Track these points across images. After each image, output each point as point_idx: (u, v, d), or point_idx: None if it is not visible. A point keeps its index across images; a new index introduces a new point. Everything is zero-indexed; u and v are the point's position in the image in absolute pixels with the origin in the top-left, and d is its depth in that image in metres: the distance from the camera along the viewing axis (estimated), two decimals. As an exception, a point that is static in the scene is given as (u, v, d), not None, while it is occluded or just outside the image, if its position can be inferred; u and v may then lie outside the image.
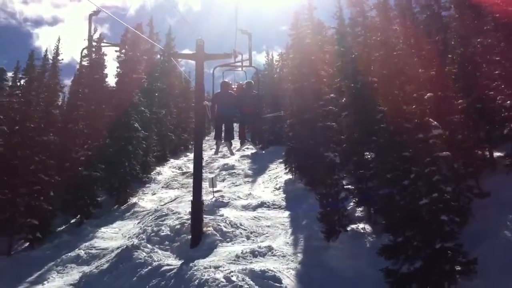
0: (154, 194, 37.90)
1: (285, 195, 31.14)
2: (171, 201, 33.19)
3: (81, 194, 32.31)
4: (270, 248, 20.96)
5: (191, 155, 53.86)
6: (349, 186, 22.55)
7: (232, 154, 17.86)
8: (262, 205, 28.75)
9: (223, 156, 50.99)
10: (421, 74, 18.96)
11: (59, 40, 35.85)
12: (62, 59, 36.01)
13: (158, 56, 53.62)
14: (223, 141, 14.83)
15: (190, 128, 59.57)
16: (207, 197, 30.49)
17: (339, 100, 31.02)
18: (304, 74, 32.10)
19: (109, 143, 35.80)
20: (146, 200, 35.76)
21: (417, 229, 16.68)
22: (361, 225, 22.08)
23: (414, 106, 17.88)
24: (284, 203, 29.07)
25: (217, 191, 32.86)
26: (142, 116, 39.59)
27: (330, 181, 21.68)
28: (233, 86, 16.16)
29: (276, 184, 34.94)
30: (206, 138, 70.46)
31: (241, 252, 20.62)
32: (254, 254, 20.46)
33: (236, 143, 16.27)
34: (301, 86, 32.19)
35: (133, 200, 35.56)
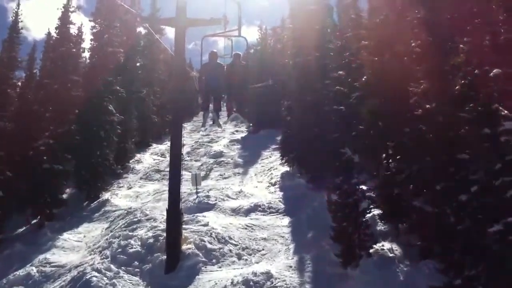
0: (130, 188, 32.20)
1: (282, 193, 25.54)
2: (147, 202, 27.50)
3: (41, 191, 26.62)
4: (269, 276, 15.50)
5: (176, 139, 48.22)
6: (371, 194, 16.88)
7: (219, 126, 16.52)
8: (256, 208, 23.15)
9: (211, 141, 45.48)
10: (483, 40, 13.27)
11: (18, 5, 29.74)
12: (22, 28, 29.84)
13: (141, 30, 46.94)
14: (210, 114, 14.11)
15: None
16: (190, 198, 24.95)
17: (349, 79, 25.44)
18: (306, 47, 26.46)
19: (77, 129, 29.84)
20: (120, 196, 30.13)
21: (485, 267, 11.37)
22: (386, 244, 16.44)
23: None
24: (282, 205, 23.51)
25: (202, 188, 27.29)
26: (117, 96, 33.50)
27: (347, 186, 16.14)
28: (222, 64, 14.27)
29: (271, 178, 29.25)
30: (194, 118, 64.71)
31: (231, 284, 15.20)
32: (249, 285, 15.04)
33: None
34: (303, 62, 26.56)
35: (106, 195, 29.93)
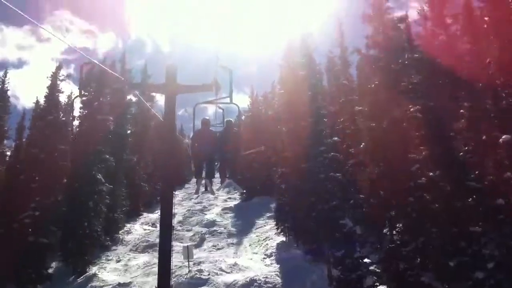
0: (119, 261, 30.51)
1: (279, 266, 24.15)
2: (136, 276, 25.95)
3: (24, 266, 25.08)
4: None
5: (168, 207, 46.75)
6: (375, 268, 15.69)
7: (212, 193, 14.89)
8: (251, 283, 21.60)
9: (203, 209, 44.14)
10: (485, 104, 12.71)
11: (6, 73, 29.48)
12: (9, 97, 29.55)
13: (132, 97, 46.35)
14: (203, 181, 13.05)
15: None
16: (182, 271, 23.52)
17: (344, 145, 24.91)
18: (299, 113, 25.90)
19: (65, 199, 28.66)
20: (109, 270, 28.50)
21: None
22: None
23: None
24: (279, 280, 22.02)
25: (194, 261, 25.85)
26: (106, 165, 32.52)
27: (350, 260, 15.02)
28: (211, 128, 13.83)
29: (267, 249, 27.87)
30: (186, 186, 63.58)
31: None
32: None
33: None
34: (297, 128, 25.89)
35: (93, 270, 28.30)
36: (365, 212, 17.79)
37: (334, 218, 16.54)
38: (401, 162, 15.95)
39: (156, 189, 48.81)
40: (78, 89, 34.17)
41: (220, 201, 47.86)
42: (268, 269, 23.91)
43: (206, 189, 13.98)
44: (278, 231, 29.39)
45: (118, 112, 40.11)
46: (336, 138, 24.17)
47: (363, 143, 18.52)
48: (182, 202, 51.81)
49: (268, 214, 37.18)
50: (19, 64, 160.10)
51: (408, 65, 17.75)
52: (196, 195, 40.69)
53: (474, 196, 12.50)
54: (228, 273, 23.42)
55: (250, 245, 29.89)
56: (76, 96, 32.82)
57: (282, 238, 28.56)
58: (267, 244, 28.88)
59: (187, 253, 23.49)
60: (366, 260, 15.51)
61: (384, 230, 17.47)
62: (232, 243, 31.21)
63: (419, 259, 14.31)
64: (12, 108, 30.40)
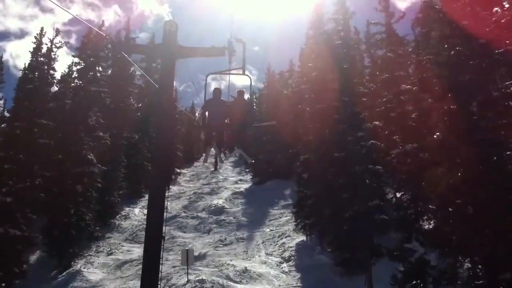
0: (111, 253, 25.52)
1: (300, 276, 19.02)
2: (127, 276, 21.06)
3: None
4: None
5: (174, 188, 41.80)
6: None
7: (221, 161, 14.82)
8: (267, 303, 16.60)
9: (211, 192, 39.01)
10: None
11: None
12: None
13: (135, 70, 40.86)
14: (212, 149, 11.95)
15: (174, 156, 47.36)
16: (179, 280, 18.51)
17: (386, 131, 19.63)
18: (330, 91, 20.47)
19: (45, 183, 23.69)
20: (97, 265, 23.67)
21: None
22: None
23: None
24: (302, 298, 16.98)
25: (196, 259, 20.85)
26: (99, 143, 27.34)
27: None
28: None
29: (284, 250, 22.56)
30: (195, 164, 58.65)
31: None
32: None
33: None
34: (326, 109, 20.50)
35: (78, 265, 23.51)
36: (433, 229, 12.33)
37: (402, 246, 11.34)
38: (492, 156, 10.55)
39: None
40: None
41: (230, 183, 42.84)
42: (286, 280, 18.82)
43: (215, 169, 10.33)
44: (297, 227, 24.15)
45: (119, 85, 34.88)
46: (377, 123, 18.78)
47: (438, 134, 12.65)
48: (190, 182, 46.96)
49: (283, 203, 32.11)
50: (21, 34, 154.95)
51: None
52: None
53: None
54: (237, 283, 18.28)
55: (263, 242, 24.59)
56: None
57: (302, 238, 23.31)
58: (283, 243, 23.54)
59: (187, 258, 18.28)
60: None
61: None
62: (242, 238, 26.02)
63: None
64: (14, 79, 25.71)
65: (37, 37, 26.81)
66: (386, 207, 18.24)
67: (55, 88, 30.68)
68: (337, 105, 19.30)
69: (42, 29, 26.64)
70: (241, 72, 12.10)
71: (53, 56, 30.10)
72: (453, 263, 11.02)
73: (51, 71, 30.10)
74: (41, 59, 26.06)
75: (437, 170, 11.70)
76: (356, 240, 17.13)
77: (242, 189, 39.31)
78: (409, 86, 18.81)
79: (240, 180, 44.92)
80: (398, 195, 18.72)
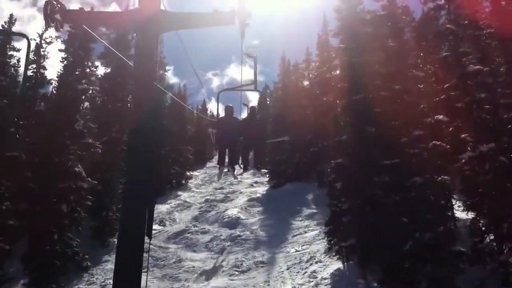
0: (104, 286, 20.64)
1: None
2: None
3: None
4: None
5: (184, 195, 36.90)
6: None
7: (235, 178, 14.90)
8: None
9: (224, 199, 34.05)
10: None
11: None
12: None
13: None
14: (226, 167, 12.48)
15: (184, 158, 42.55)
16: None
17: (451, 126, 14.38)
18: (371, 77, 15.25)
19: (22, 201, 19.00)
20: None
21: None
22: None
23: None
24: None
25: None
26: (89, 152, 22.39)
27: None
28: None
29: (317, 284, 17.11)
30: (207, 164, 53.93)
31: None
32: None
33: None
34: (368, 100, 15.28)
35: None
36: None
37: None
38: None
39: (171, 173, 39.08)
40: None
41: (245, 187, 37.85)
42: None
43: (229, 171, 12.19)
44: (330, 250, 18.93)
45: (117, 82, 29.94)
46: (440, 117, 13.58)
47: None
48: (202, 186, 42.00)
49: (307, 211, 27.19)
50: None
51: None
52: (218, 179, 31.79)
53: None
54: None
55: (288, 269, 19.31)
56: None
57: (338, 264, 17.93)
58: (314, 271, 18.13)
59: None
60: None
61: None
62: (262, 262, 20.82)
63: None
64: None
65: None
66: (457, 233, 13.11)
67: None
68: (384, 95, 14.10)
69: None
70: (253, 88, 11.69)
71: (42, 53, 26.06)
72: None
73: (41, 70, 26.05)
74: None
75: None
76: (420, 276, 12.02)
77: (258, 194, 34.37)
78: (478, 66, 13.57)
79: (256, 182, 39.98)
80: (470, 215, 13.54)
